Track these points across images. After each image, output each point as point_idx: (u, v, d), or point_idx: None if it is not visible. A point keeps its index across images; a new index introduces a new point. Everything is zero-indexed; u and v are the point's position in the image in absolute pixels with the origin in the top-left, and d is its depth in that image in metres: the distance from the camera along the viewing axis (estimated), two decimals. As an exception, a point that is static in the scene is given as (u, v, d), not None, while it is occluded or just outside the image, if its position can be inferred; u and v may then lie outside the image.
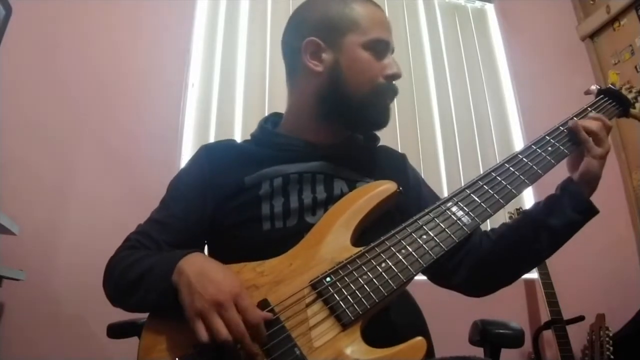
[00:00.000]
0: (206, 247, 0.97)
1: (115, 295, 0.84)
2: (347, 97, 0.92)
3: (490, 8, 2.71)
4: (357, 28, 0.92)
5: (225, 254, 0.75)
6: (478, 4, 2.69)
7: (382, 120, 0.96)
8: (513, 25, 2.66)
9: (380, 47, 0.94)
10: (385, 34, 0.95)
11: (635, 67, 2.41)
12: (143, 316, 0.78)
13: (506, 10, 2.69)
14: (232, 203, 0.90)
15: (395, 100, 0.99)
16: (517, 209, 2.10)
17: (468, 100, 2.44)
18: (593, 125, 0.92)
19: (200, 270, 0.71)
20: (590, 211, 0.90)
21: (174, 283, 0.71)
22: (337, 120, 0.96)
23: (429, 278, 1.00)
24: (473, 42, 2.58)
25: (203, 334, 0.65)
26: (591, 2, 2.71)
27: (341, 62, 0.92)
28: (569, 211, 0.90)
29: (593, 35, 2.67)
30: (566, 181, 0.94)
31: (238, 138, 2.04)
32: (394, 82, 0.96)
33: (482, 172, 0.89)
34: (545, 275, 1.98)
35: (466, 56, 2.53)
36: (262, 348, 0.67)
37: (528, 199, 2.19)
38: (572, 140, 0.93)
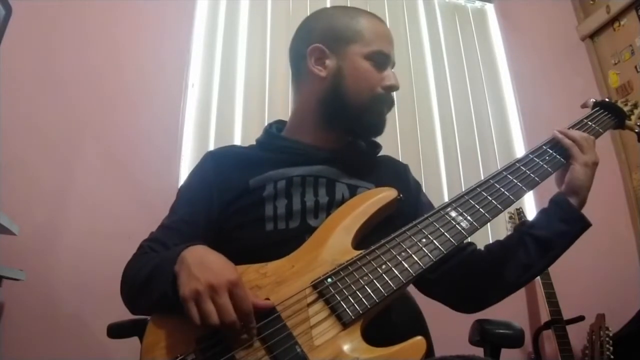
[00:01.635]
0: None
1: (132, 301, 0.85)
2: (346, 103, 0.97)
3: (490, 8, 2.71)
4: (361, 39, 0.98)
5: (229, 255, 0.76)
6: (478, 4, 2.69)
7: (378, 127, 1.01)
8: (513, 25, 2.66)
9: (381, 59, 0.98)
10: (387, 47, 1.00)
11: (635, 67, 2.41)
12: (144, 316, 0.78)
13: (506, 10, 2.69)
14: (236, 204, 0.93)
15: (395, 101, 1.02)
16: (517, 209, 2.11)
17: (468, 100, 2.44)
18: (575, 134, 0.96)
19: (200, 259, 0.72)
20: (580, 222, 0.91)
21: (176, 273, 0.72)
22: (336, 124, 1.00)
23: (415, 285, 1.01)
24: (473, 42, 2.58)
25: (195, 316, 0.66)
26: (591, 2, 2.71)
27: (343, 69, 0.97)
28: (555, 221, 0.91)
29: (593, 35, 2.67)
30: (555, 194, 0.95)
31: (238, 138, 2.04)
32: (391, 93, 1.00)
33: (481, 178, 0.91)
34: (545, 275, 1.98)
35: (466, 56, 2.53)
36: (251, 336, 0.68)
37: (529, 202, 2.20)
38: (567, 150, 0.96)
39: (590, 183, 0.92)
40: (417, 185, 1.11)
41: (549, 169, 0.92)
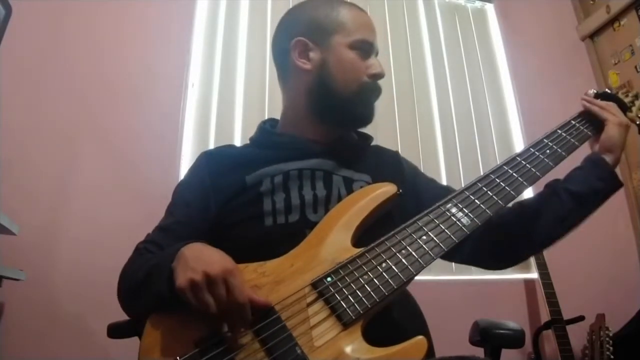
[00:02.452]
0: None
1: (129, 303, 0.84)
2: (334, 94, 0.96)
3: (490, 8, 2.71)
4: (343, 29, 0.97)
5: (229, 253, 0.76)
6: (478, 4, 2.69)
7: (367, 116, 1.00)
8: (513, 25, 2.66)
9: (365, 48, 0.98)
10: (370, 35, 1.00)
11: (635, 67, 2.41)
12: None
13: (506, 10, 2.68)
14: (234, 202, 0.92)
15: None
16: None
17: (468, 100, 2.44)
18: (602, 103, 1.01)
19: (198, 253, 0.72)
20: (614, 180, 0.93)
21: (173, 268, 0.72)
22: (326, 116, 1.00)
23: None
24: (473, 42, 2.58)
25: (195, 304, 0.66)
26: (591, 2, 2.71)
27: (328, 60, 0.97)
28: (591, 178, 0.93)
29: (593, 35, 2.67)
30: (588, 155, 0.98)
31: (238, 138, 2.04)
32: (377, 81, 1.00)
33: (481, 174, 0.91)
34: (545, 275, 1.98)
35: (466, 56, 2.53)
36: (245, 326, 0.68)
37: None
38: (569, 143, 0.96)
39: (624, 144, 0.95)
40: (412, 168, 1.10)
41: (550, 162, 0.92)
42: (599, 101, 1.01)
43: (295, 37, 0.99)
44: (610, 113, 0.98)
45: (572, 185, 0.93)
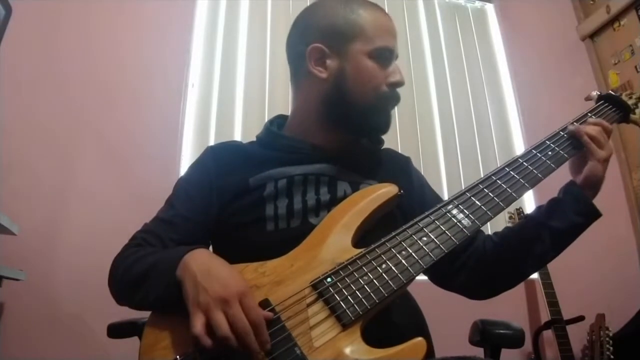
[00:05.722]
0: (210, 247, 0.96)
1: (120, 293, 0.83)
2: (351, 104, 0.93)
3: (490, 8, 2.72)
4: (363, 35, 0.93)
5: (229, 254, 0.76)
6: (478, 4, 2.69)
7: (384, 126, 0.98)
8: (513, 26, 2.66)
9: (385, 55, 0.94)
10: (390, 41, 0.96)
11: (635, 67, 2.41)
12: (143, 315, 0.78)
13: (506, 10, 2.69)
14: (236, 203, 0.91)
15: (400, 97, 1.01)
16: (517, 209, 2.11)
17: (468, 100, 2.44)
18: (593, 130, 0.93)
19: (206, 267, 0.71)
20: (593, 214, 0.91)
21: (179, 278, 0.71)
22: (341, 126, 0.97)
23: (430, 279, 1.01)
24: (473, 42, 2.58)
25: (199, 327, 0.64)
26: (591, 2, 2.70)
27: (346, 69, 0.93)
28: (571, 214, 0.90)
29: (593, 35, 2.67)
30: (569, 184, 0.94)
31: (238, 138, 2.04)
32: (397, 89, 0.97)
33: (482, 176, 0.90)
34: (545, 275, 1.98)
35: (466, 56, 2.53)
36: (264, 348, 0.66)
37: (528, 200, 2.19)
38: (572, 145, 0.94)
39: (604, 175, 0.92)
40: (420, 179, 1.09)
41: (552, 164, 0.91)
42: (588, 128, 0.94)
43: (312, 42, 0.94)
44: (595, 146, 0.92)
45: (553, 222, 0.91)
